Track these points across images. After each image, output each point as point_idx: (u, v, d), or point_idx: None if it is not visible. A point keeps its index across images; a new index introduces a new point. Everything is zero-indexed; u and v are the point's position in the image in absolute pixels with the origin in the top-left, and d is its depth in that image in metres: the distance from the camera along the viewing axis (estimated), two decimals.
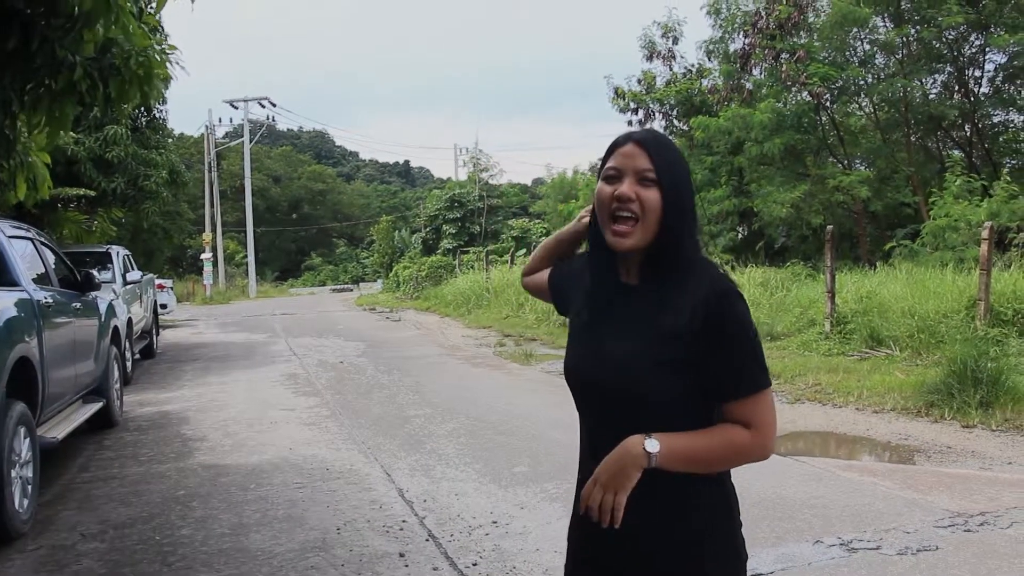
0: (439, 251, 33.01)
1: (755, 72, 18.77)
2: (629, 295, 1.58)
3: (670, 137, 1.74)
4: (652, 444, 1.46)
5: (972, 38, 16.74)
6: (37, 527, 4.72)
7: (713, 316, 1.48)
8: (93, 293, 7.26)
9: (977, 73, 17.35)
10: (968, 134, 17.79)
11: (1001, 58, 16.48)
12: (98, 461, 6.34)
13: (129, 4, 4.46)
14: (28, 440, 4.89)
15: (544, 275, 1.99)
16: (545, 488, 5.20)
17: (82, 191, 13.84)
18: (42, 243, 6.58)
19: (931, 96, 17.59)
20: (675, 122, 20.97)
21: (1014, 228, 11.84)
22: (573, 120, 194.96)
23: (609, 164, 1.56)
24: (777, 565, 3.84)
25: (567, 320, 1.84)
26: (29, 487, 4.82)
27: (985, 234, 8.76)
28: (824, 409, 7.48)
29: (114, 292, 9.94)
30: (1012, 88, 17.13)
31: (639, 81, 21.42)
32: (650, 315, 1.53)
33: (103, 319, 7.48)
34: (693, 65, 21.61)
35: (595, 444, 1.62)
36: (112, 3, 4.09)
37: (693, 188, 1.59)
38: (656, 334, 1.51)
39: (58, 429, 5.79)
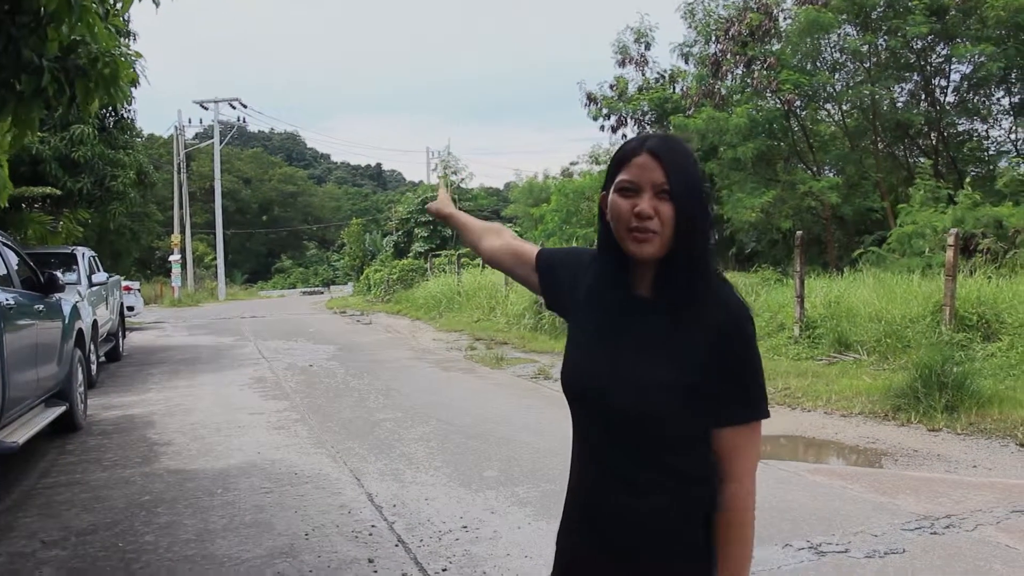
0: (411, 254, 32.83)
1: (727, 78, 18.94)
2: (643, 309, 1.54)
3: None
4: None
5: (939, 48, 17.03)
6: None
7: (729, 342, 1.47)
8: (57, 295, 7.13)
9: (943, 82, 17.67)
10: (934, 142, 18.09)
11: (966, 68, 16.79)
12: (60, 466, 6.22)
13: (95, 5, 4.39)
14: None
15: (528, 256, 1.85)
16: (516, 492, 5.17)
17: (47, 190, 13.62)
18: (3, 243, 6.45)
19: (898, 104, 17.86)
20: (648, 128, 21.08)
21: (979, 235, 12.04)
22: (544, 125, 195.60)
23: (624, 176, 1.50)
24: None
25: (548, 320, 1.78)
26: None
27: (951, 240, 8.88)
28: (793, 413, 7.53)
29: (79, 294, 9.76)
30: (976, 98, 17.44)
31: (611, 87, 21.51)
32: (666, 334, 1.50)
33: (67, 321, 7.34)
34: (666, 70, 21.77)
35: (596, 454, 1.59)
36: (75, 3, 4.01)
37: (709, 196, 1.55)
38: (674, 356, 1.48)
39: (18, 434, 5.67)
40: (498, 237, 1.96)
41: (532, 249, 1.88)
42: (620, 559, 1.54)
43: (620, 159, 1.53)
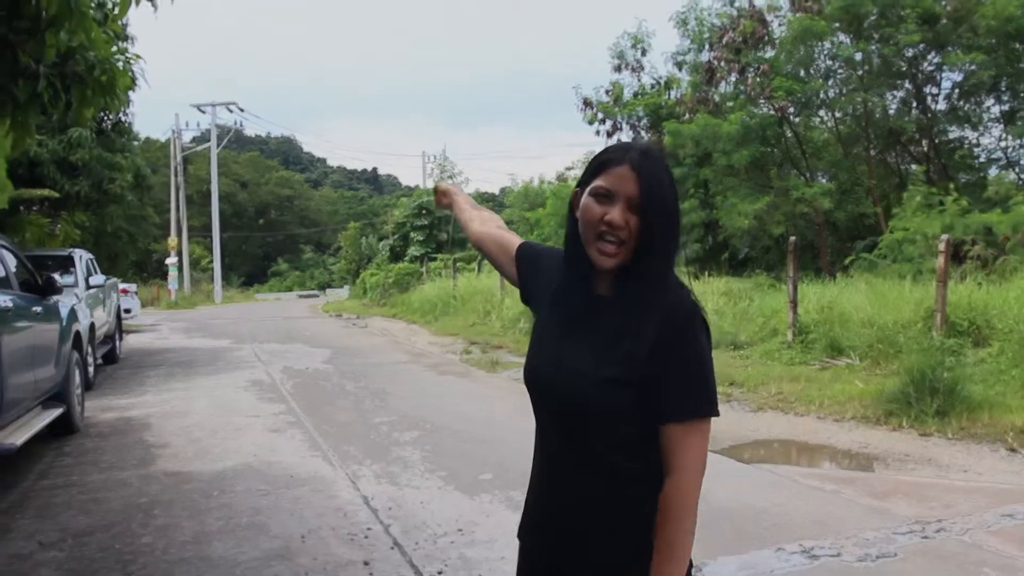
0: (406, 258, 32.87)
1: (721, 85, 19.02)
2: (599, 307, 1.59)
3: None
4: None
5: (930, 56, 17.13)
6: None
7: (670, 339, 1.50)
8: (54, 297, 7.15)
9: (935, 90, 17.76)
10: (925, 149, 18.18)
11: (957, 76, 16.89)
12: (58, 468, 6.24)
13: (92, 11, 4.42)
14: None
15: (510, 246, 1.93)
16: (510, 496, 5.20)
17: (45, 192, 13.64)
18: (1, 246, 6.48)
19: (891, 111, 17.94)
20: (642, 133, 21.14)
21: (969, 241, 12.12)
22: (540, 129, 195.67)
23: (601, 183, 1.54)
24: (740, 573, 3.89)
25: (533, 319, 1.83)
26: None
27: (942, 247, 8.94)
28: (786, 417, 7.59)
29: (76, 296, 9.78)
30: (967, 106, 17.53)
31: (607, 92, 21.55)
32: (617, 333, 1.54)
33: (64, 323, 7.36)
34: (661, 77, 21.85)
35: (545, 444, 1.67)
36: (74, 8, 4.05)
37: (679, 212, 1.60)
38: (621, 353, 1.52)
39: (16, 435, 5.69)
40: (488, 224, 2.05)
41: (516, 240, 1.95)
42: (562, 552, 1.60)
43: (600, 164, 1.57)
